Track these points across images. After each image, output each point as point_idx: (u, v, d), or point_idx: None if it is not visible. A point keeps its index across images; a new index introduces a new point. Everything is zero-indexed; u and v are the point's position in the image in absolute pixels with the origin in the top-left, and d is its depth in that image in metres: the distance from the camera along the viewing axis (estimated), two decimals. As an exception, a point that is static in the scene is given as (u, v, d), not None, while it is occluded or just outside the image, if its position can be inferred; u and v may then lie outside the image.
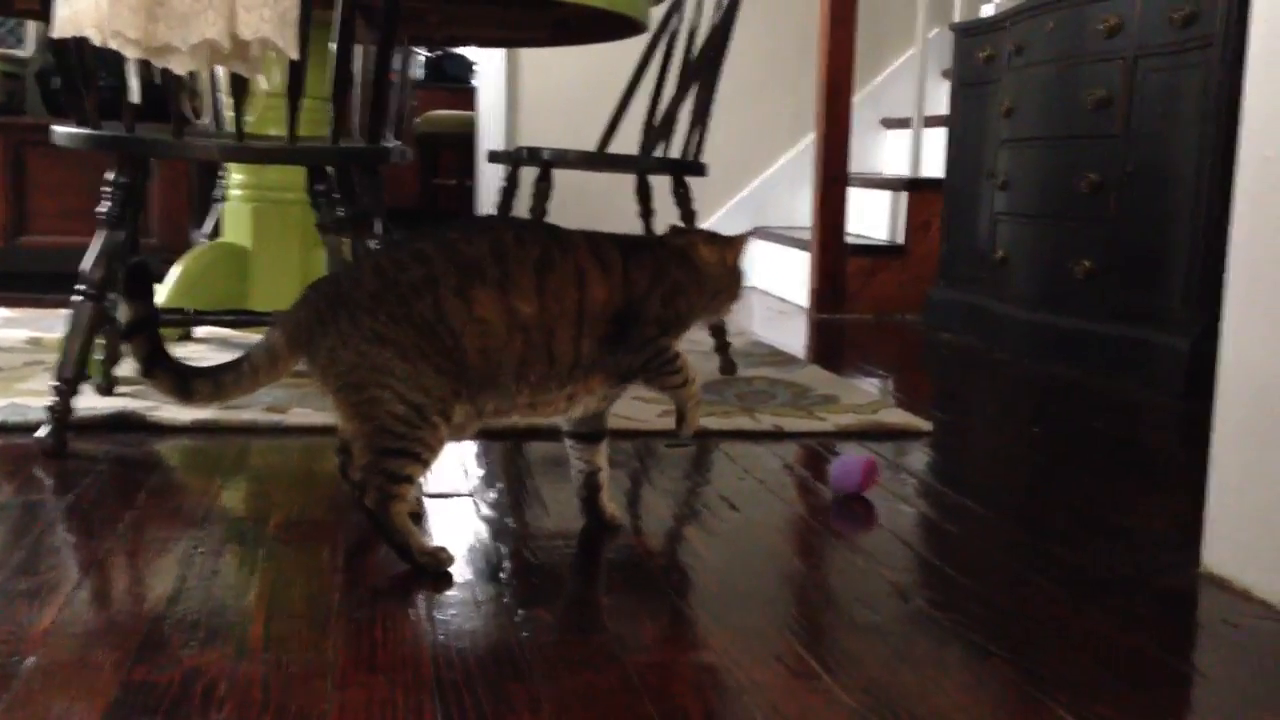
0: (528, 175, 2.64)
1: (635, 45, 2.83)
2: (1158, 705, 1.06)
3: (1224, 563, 1.37)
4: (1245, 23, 1.36)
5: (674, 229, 1.52)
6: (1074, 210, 2.88)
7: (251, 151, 1.74)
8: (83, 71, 1.72)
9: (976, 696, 1.06)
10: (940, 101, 4.21)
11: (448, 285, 1.31)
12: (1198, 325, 2.49)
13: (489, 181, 4.58)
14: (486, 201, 4.59)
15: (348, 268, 1.40)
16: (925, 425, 2.14)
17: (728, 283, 1.50)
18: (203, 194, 3.86)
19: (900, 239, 3.92)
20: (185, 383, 1.30)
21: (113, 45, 1.58)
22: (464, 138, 5.65)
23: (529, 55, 4.46)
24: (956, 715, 1.02)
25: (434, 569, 1.31)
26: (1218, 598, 1.33)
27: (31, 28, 3.94)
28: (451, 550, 1.34)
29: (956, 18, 3.93)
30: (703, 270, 1.47)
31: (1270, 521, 1.30)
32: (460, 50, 6.71)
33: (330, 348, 1.29)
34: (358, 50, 2.27)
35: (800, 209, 4.57)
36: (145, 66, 1.84)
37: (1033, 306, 3.04)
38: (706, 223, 4.52)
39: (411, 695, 1.01)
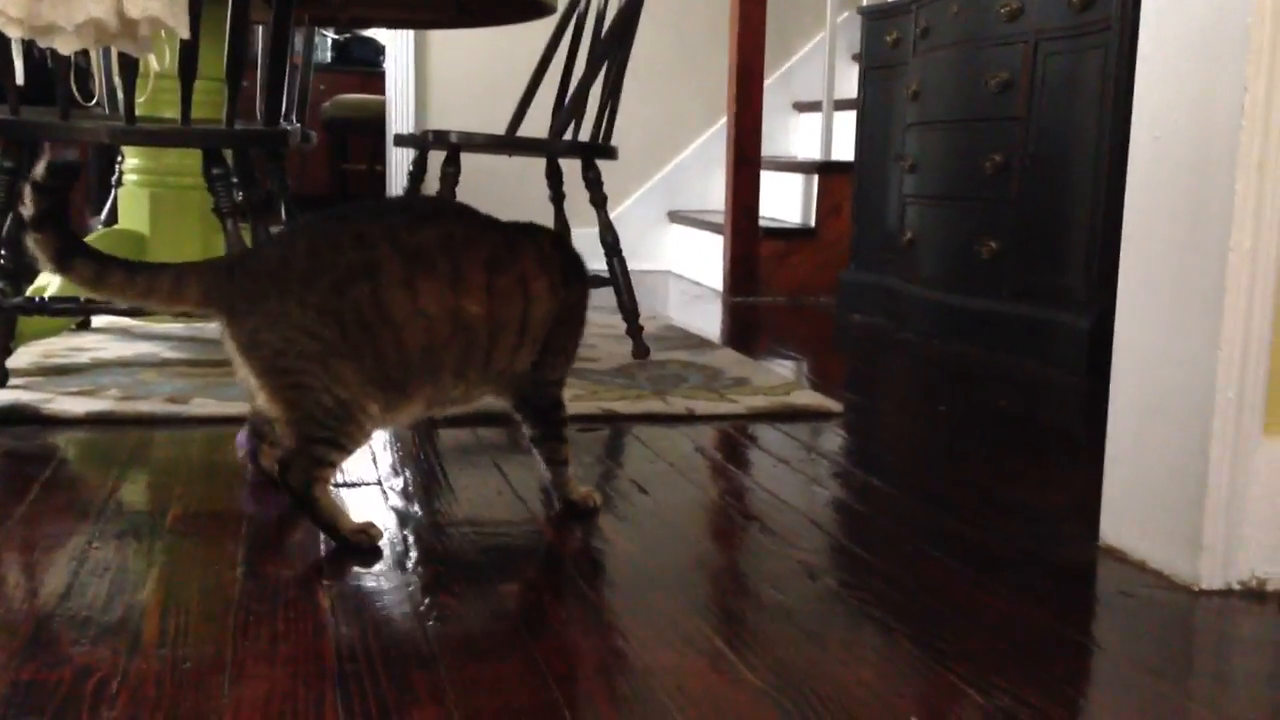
0: (436, 159, 2.61)
1: (546, 27, 2.81)
2: (1056, 676, 1.08)
3: (1120, 535, 1.40)
4: (1140, 7, 1.39)
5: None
6: (979, 192, 2.92)
7: (142, 134, 1.69)
8: (-36, 51, 1.65)
9: (881, 672, 1.07)
10: (851, 85, 4.25)
11: (391, 274, 1.29)
12: (1098, 304, 2.55)
13: (400, 166, 4.52)
14: (397, 186, 4.53)
15: (281, 241, 1.36)
16: (835, 406, 2.16)
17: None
18: (100, 179, 3.75)
19: (812, 222, 3.95)
20: (69, 258, 1.24)
21: (-6, 24, 1.52)
22: (374, 122, 5.57)
23: (438, 38, 4.40)
24: (860, 691, 1.02)
25: (366, 545, 1.32)
26: (1115, 570, 1.36)
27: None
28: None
29: (865, 1, 3.97)
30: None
31: (1162, 494, 1.33)
32: (369, 33, 6.60)
33: (254, 329, 1.27)
34: (256, 30, 2.22)
35: (713, 193, 4.58)
36: (33, 46, 1.77)
37: (940, 287, 3.08)
38: (620, 208, 4.51)
39: (312, 687, 0.99)
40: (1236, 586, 1.29)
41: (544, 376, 1.46)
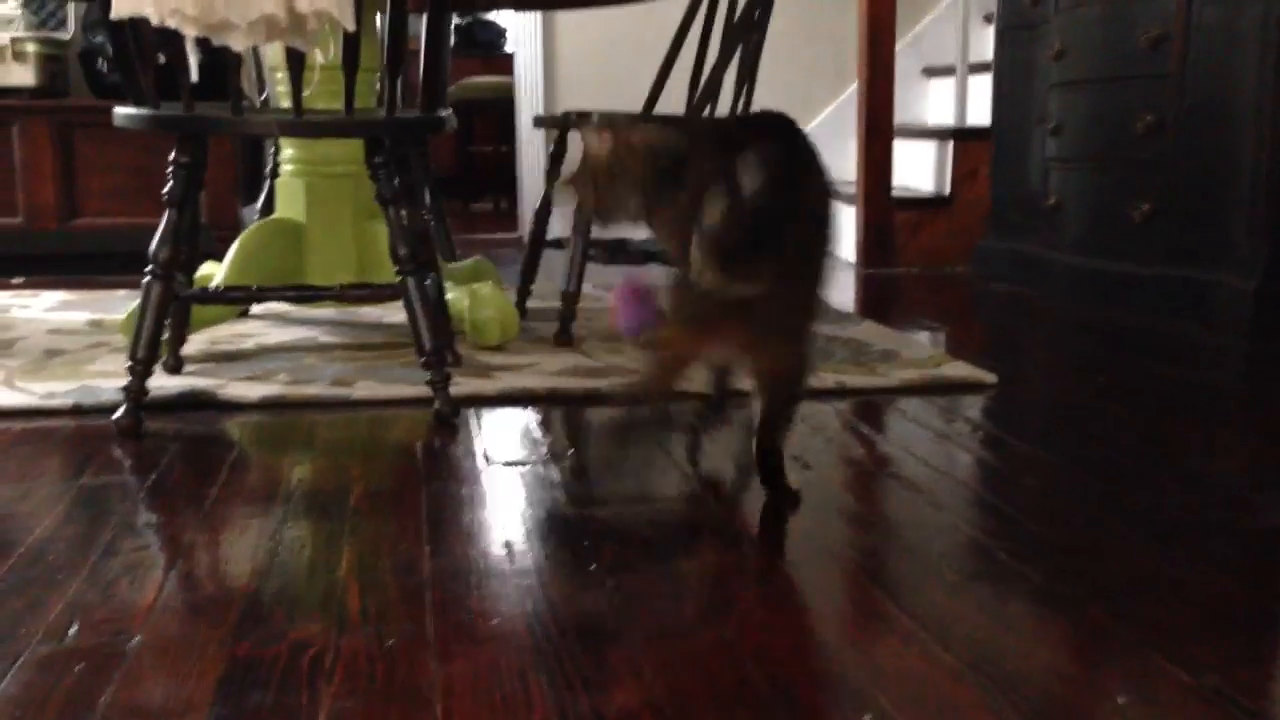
0: (574, 139, 2.62)
1: (671, 4, 2.80)
2: (1259, 650, 1.05)
3: (1315, 507, 1.35)
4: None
5: None
6: (1129, 153, 2.83)
7: (310, 125, 1.74)
8: (140, 51, 1.72)
9: (1078, 650, 1.05)
10: (983, 48, 4.15)
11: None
12: (1262, 264, 2.45)
13: (527, 147, 4.57)
14: (527, 167, 4.58)
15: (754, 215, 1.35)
16: (990, 377, 2.12)
17: None
18: (249, 171, 3.87)
19: (947, 190, 3.87)
20: None
21: (170, 24, 1.58)
22: (499, 104, 5.63)
23: (564, 18, 4.42)
24: (1062, 669, 1.01)
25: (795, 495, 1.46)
26: (1311, 542, 1.31)
27: (72, 9, 3.94)
28: (531, 518, 1.35)
29: (999, -39, 3.85)
30: None
31: (1364, 464, 1.28)
32: (490, 16, 6.66)
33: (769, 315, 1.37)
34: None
35: (844, 162, 4.51)
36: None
37: (1088, 252, 3.00)
38: (748, 180, 4.47)
39: (513, 664, 1.01)
40: None
41: None
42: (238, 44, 1.56)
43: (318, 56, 1.61)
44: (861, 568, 1.26)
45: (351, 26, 1.57)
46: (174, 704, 0.94)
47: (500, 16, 6.59)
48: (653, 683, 0.98)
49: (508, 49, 6.52)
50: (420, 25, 1.92)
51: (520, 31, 4.49)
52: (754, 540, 1.34)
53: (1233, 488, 1.53)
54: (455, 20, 6.68)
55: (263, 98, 2.38)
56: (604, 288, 3.20)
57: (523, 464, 1.63)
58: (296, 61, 1.64)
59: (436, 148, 6.55)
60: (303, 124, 1.70)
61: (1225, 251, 2.57)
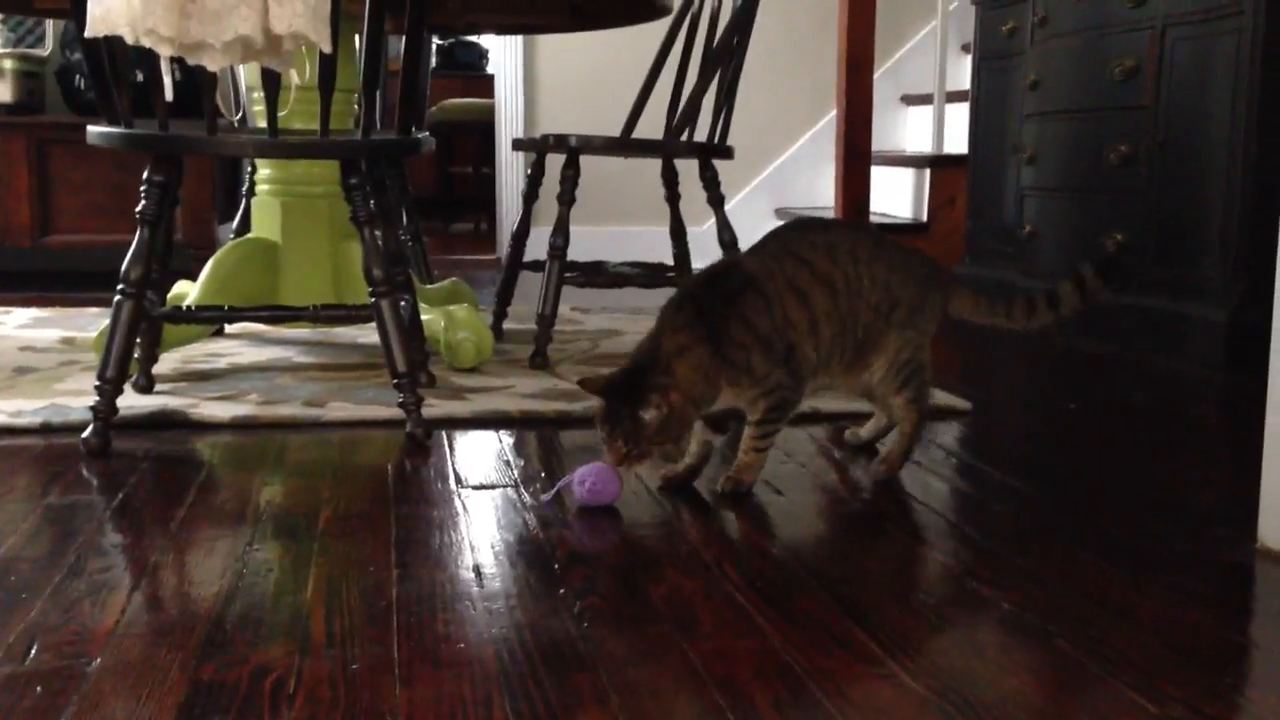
0: (552, 162, 2.63)
1: (651, 30, 2.81)
2: (1224, 683, 1.05)
3: (1282, 537, 1.35)
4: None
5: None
6: (1104, 183, 2.86)
7: (285, 147, 1.73)
8: (114, 70, 1.72)
9: (1044, 680, 1.05)
10: (961, 77, 4.19)
11: None
12: (1235, 296, 2.47)
13: (507, 169, 4.57)
14: (506, 188, 4.58)
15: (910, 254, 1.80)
16: (963, 404, 2.13)
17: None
18: (226, 189, 3.86)
19: (924, 216, 3.90)
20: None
21: (145, 43, 1.58)
22: (479, 125, 5.64)
23: (546, 42, 4.44)
24: (1027, 700, 1.01)
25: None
26: (1277, 574, 1.32)
27: (50, 26, 3.93)
28: (501, 542, 1.34)
29: (977, -9, 3.89)
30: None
31: (1329, 494, 1.28)
32: (472, 38, 6.68)
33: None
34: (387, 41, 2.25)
35: (822, 189, 4.54)
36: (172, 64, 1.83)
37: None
38: (729, 204, 4.50)
39: (479, 689, 1.00)
40: None
41: None
42: (213, 64, 1.56)
43: (294, 77, 1.61)
44: (831, 594, 1.25)
45: (328, 48, 1.57)
46: (133, 728, 0.93)
47: (482, 38, 6.61)
48: (619, 709, 0.97)
49: (489, 70, 6.54)
50: (401, 46, 1.92)
51: (501, 54, 4.51)
52: (722, 565, 1.33)
53: (1204, 519, 1.53)
54: (437, 41, 6.70)
55: (239, 116, 2.38)
56: (581, 309, 3.21)
57: (494, 487, 1.62)
58: (272, 82, 1.64)
59: (417, 168, 6.56)
60: (277, 145, 1.69)
61: (1199, 282, 2.59)
